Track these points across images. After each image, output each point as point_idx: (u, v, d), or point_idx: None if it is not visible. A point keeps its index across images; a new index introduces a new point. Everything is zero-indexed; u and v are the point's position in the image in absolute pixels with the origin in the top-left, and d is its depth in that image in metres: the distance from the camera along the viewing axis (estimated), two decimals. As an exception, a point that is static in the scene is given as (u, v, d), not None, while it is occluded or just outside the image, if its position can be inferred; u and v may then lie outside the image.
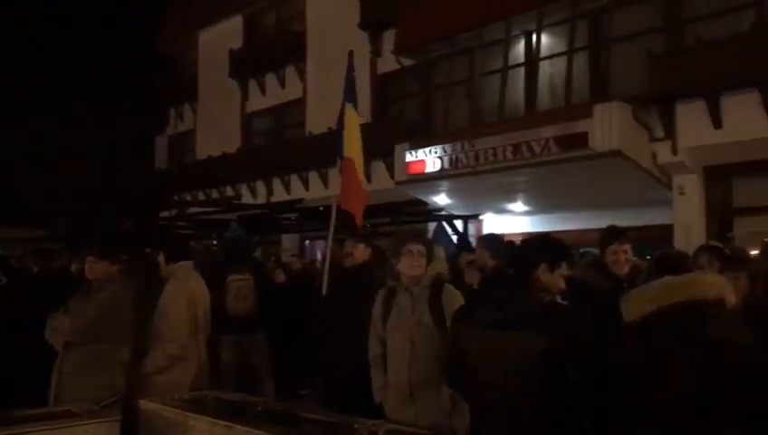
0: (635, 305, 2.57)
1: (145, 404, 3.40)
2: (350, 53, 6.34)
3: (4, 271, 7.09)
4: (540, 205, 14.70)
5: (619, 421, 2.71)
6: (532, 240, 2.93)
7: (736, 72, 10.61)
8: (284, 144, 20.15)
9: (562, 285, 2.77)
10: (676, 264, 2.67)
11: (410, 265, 3.55)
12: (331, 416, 2.82)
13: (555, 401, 2.61)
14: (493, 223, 14.97)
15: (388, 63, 17.14)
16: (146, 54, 26.48)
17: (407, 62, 16.43)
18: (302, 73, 19.75)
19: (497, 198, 14.51)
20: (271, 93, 21.01)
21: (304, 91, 19.66)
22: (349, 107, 5.92)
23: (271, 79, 20.91)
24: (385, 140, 15.29)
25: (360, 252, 4.52)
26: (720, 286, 2.57)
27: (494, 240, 5.15)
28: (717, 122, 11.13)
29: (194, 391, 3.78)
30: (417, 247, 3.57)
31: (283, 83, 20.54)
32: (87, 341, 4.18)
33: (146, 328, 4.30)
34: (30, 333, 5.05)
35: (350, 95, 5.99)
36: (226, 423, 2.81)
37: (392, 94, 17.81)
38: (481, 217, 15.11)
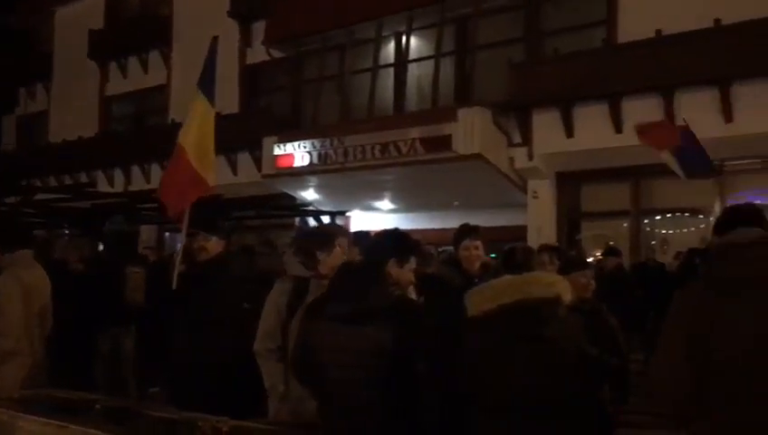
0: (477, 302, 2.67)
1: (-32, 404, 3.11)
2: (214, 39, 6.08)
3: None
4: (406, 203, 15.02)
5: (464, 414, 2.80)
6: (381, 236, 2.96)
7: (587, 84, 11.33)
8: (145, 131, 19.28)
9: (412, 278, 2.83)
10: (520, 263, 2.80)
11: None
12: (173, 413, 2.71)
13: (404, 393, 2.65)
14: (360, 220, 15.11)
15: (257, 54, 16.83)
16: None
17: (277, 54, 16.22)
18: (166, 59, 18.97)
19: (365, 196, 14.66)
20: (133, 77, 20.02)
21: (168, 77, 18.90)
22: (199, 95, 5.64)
23: (133, 62, 19.94)
24: (253, 132, 15.03)
25: (213, 245, 4.34)
26: (557, 286, 2.71)
27: (364, 237, 5.17)
28: (569, 131, 11.83)
29: (26, 389, 3.50)
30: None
31: (146, 68, 19.64)
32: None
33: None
34: None
35: (204, 82, 5.71)
36: (59, 423, 2.62)
37: (261, 86, 17.51)
38: (348, 214, 15.21)
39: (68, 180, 20.13)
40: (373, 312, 2.57)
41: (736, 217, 2.42)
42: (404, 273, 2.80)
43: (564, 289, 2.73)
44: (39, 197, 12.83)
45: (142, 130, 19.52)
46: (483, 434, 2.74)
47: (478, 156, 11.71)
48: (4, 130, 24.75)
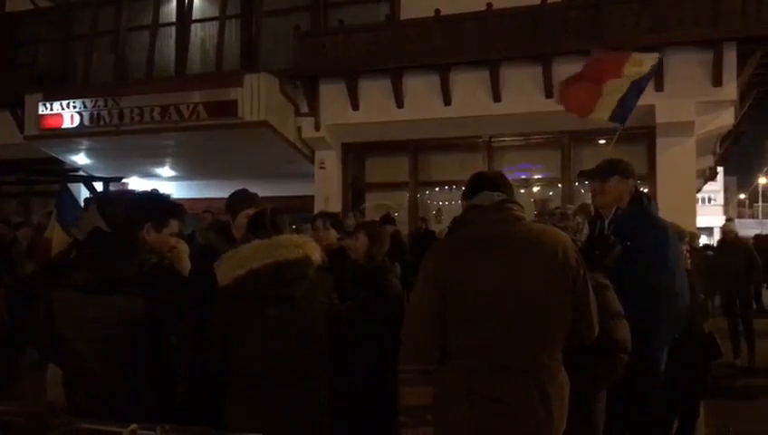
0: (227, 269, 2.62)
1: None
2: None
3: None
4: (188, 170, 14.48)
5: (217, 385, 2.74)
6: (135, 198, 2.77)
7: (371, 58, 11.62)
8: None
9: (171, 242, 2.68)
10: (268, 227, 2.77)
11: None
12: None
13: (155, 366, 2.53)
14: (138, 187, 14.26)
15: (20, 2, 15.07)
16: None
17: (43, 3, 14.66)
18: None
19: (143, 162, 13.89)
20: None
21: None
22: None
23: None
24: (12, 87, 13.53)
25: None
26: (305, 247, 2.73)
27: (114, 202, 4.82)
28: (355, 103, 12.07)
29: None
30: None
31: None
32: None
33: None
34: None
35: None
36: None
37: (24, 37, 15.69)
38: (125, 181, 14.29)
39: None
40: (121, 280, 2.40)
41: (481, 182, 2.59)
42: (163, 238, 2.64)
43: (313, 250, 2.76)
44: None
45: None
46: (236, 403, 2.71)
47: (264, 123, 11.56)
48: None
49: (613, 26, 10.38)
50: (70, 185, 8.57)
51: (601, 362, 2.86)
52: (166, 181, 14.47)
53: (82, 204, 7.84)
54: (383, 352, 3.40)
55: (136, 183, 14.43)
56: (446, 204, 13.10)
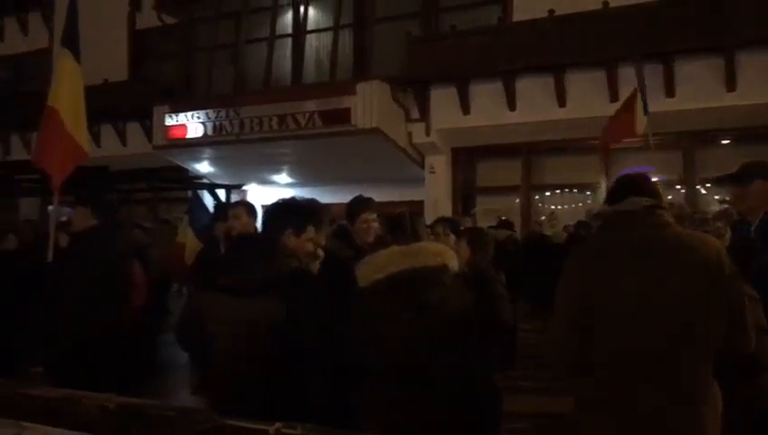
0: (367, 272, 2.68)
1: None
2: None
3: None
4: (303, 177, 14.88)
5: (352, 385, 2.81)
6: (277, 205, 2.88)
7: (482, 62, 11.55)
8: (26, 97, 18.03)
9: (310, 248, 2.77)
10: (408, 234, 2.82)
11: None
12: (54, 391, 2.54)
13: (291, 367, 2.62)
14: (257, 194, 14.84)
15: (147, 19, 16.07)
16: None
17: (168, 20, 15.55)
18: (47, 21, 17.78)
19: (262, 169, 14.40)
20: (10, 40, 18.68)
21: (50, 40, 17.72)
22: (64, 52, 5.29)
23: (11, 24, 18.60)
24: (142, 100, 14.40)
25: (81, 218, 4.10)
26: (444, 255, 2.76)
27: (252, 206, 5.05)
28: (466, 107, 12.05)
29: None
30: None
31: (25, 30, 18.36)
32: None
33: None
34: None
35: (68, 39, 5.35)
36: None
37: (151, 52, 16.73)
38: (245, 188, 14.90)
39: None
40: (264, 284, 2.51)
41: (627, 187, 2.51)
42: (301, 243, 2.74)
43: (451, 258, 2.78)
44: None
45: (22, 97, 18.23)
46: (367, 404, 2.77)
47: (376, 130, 11.73)
48: None
49: (736, 21, 9.85)
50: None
51: (748, 382, 2.70)
52: (283, 188, 14.95)
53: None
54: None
55: (255, 190, 15.00)
56: (559, 207, 12.81)
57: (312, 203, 2.92)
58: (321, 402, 2.61)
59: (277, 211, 2.81)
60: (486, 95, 11.84)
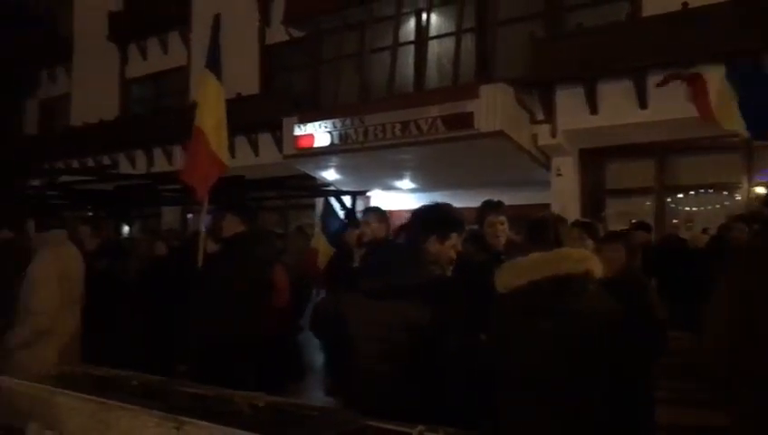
0: (506, 278, 2.66)
1: (4, 381, 3.15)
2: (216, 17, 6.01)
3: None
4: (426, 182, 14.96)
5: (491, 390, 2.80)
6: (422, 212, 2.91)
7: (611, 60, 11.16)
8: (166, 112, 19.33)
9: (453, 255, 2.79)
10: (550, 239, 2.77)
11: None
12: (206, 389, 2.72)
13: (432, 370, 2.65)
14: (380, 199, 15.09)
15: (277, 34, 16.78)
16: (14, 10, 24.47)
17: (296, 33, 16.15)
18: (186, 39, 18.97)
19: (385, 175, 14.63)
20: (152, 59, 20.08)
21: (188, 57, 18.90)
22: (208, 75, 5.64)
23: (153, 44, 19.98)
24: (272, 112, 15.01)
25: (230, 225, 4.36)
26: (587, 261, 2.69)
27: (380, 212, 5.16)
28: (593, 107, 11.68)
29: (62, 367, 3.54)
30: None
31: (165, 49, 19.68)
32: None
33: (11, 301, 4.01)
34: None
35: (211, 62, 5.70)
36: (98, 399, 2.64)
37: (281, 66, 17.45)
38: (369, 194, 15.19)
39: (90, 163, 20.35)
40: (408, 289, 2.55)
41: None
42: (445, 249, 2.76)
43: (594, 264, 2.71)
44: (63, 179, 12.93)
45: (163, 112, 19.57)
46: (507, 409, 2.74)
47: (500, 133, 11.60)
48: (27, 113, 24.95)
49: None
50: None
51: None
52: (406, 193, 15.11)
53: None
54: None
55: (378, 196, 15.25)
56: (695, 209, 12.13)
57: (452, 210, 2.94)
58: (460, 406, 2.63)
59: (422, 218, 2.85)
60: (615, 94, 11.42)
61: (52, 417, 2.86)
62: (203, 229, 5.15)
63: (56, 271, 4.05)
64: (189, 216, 18.97)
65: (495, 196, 4.83)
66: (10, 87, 24.65)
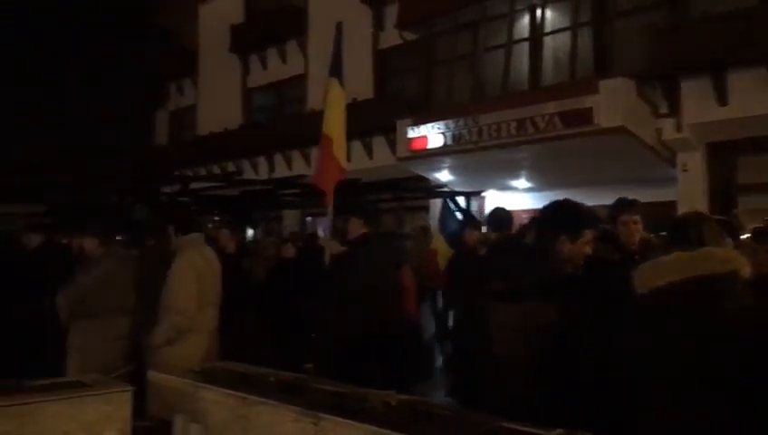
0: (646, 279, 2.57)
1: (153, 375, 3.39)
2: (338, 26, 6.19)
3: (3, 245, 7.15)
4: (543, 181, 14.67)
5: (625, 395, 2.72)
6: (552, 209, 2.86)
7: (742, 48, 10.51)
8: (286, 120, 20.05)
9: (588, 251, 2.73)
10: (692, 239, 2.65)
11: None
12: (341, 387, 2.81)
13: (564, 372, 2.61)
14: (496, 199, 14.96)
15: (390, 38, 17.00)
16: (145, 27, 26.21)
17: (409, 36, 16.29)
18: (303, 48, 19.60)
19: (500, 175, 14.48)
20: (272, 68, 20.89)
21: (306, 66, 19.53)
22: (333, 82, 5.80)
23: (272, 54, 20.78)
24: (386, 115, 15.22)
25: (354, 226, 4.52)
26: (732, 261, 2.56)
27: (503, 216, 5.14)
28: (722, 99, 11.06)
29: (204, 363, 3.77)
30: None
31: (284, 58, 20.42)
32: (83, 315, 4.24)
33: (155, 300, 4.31)
34: (34, 307, 5.11)
35: (335, 69, 5.87)
36: (239, 394, 2.80)
37: (394, 69, 17.67)
38: (484, 194, 15.09)
39: (216, 169, 21.43)
40: (538, 289, 2.53)
41: None
42: (578, 248, 2.70)
43: (742, 264, 2.57)
44: (193, 186, 13.67)
45: (282, 119, 20.31)
46: (641, 414, 2.65)
47: (622, 129, 11.21)
48: (158, 124, 26.62)
49: None
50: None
51: None
52: (521, 193, 14.89)
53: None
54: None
55: (493, 196, 15.11)
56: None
57: (582, 207, 2.88)
58: (593, 409, 2.58)
59: (551, 216, 2.82)
60: (746, 83, 10.74)
61: (196, 410, 3.06)
62: (320, 232, 5.34)
63: (194, 272, 4.32)
64: (308, 218, 19.59)
65: (616, 193, 4.71)
66: (143, 101, 26.44)
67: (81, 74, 30.21)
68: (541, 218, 2.86)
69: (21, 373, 3.66)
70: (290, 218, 19.45)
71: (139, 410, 3.21)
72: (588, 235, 2.74)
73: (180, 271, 4.28)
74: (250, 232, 16.43)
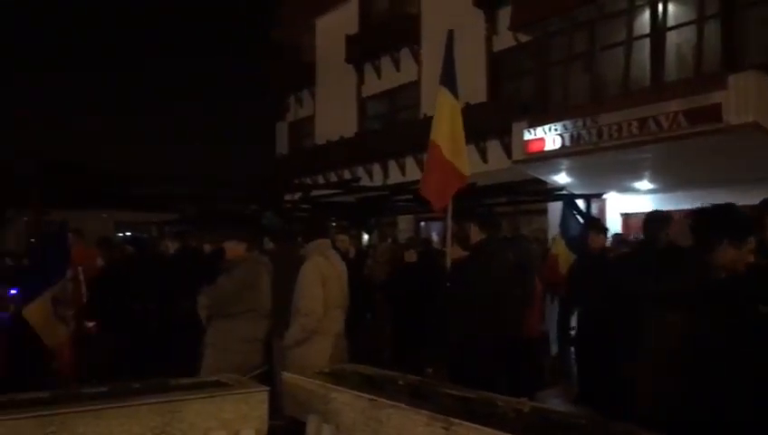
0: None
1: (287, 376, 3.56)
2: (450, 34, 6.18)
3: (142, 250, 7.69)
4: (667, 182, 14.01)
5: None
6: (711, 213, 2.72)
7: None
8: (400, 127, 20.29)
9: (751, 259, 2.59)
10: None
11: None
12: (469, 392, 2.84)
13: (717, 385, 2.49)
14: (616, 202, 14.46)
15: (503, 41, 16.85)
16: (265, 43, 27.33)
17: (523, 38, 16.07)
18: (416, 55, 19.77)
19: (621, 176, 13.97)
20: (386, 77, 21.19)
21: (419, 73, 19.68)
22: (443, 91, 5.82)
23: (386, 62, 21.08)
24: (500, 118, 15.09)
25: (475, 231, 4.54)
26: None
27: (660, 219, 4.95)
28: None
29: (333, 365, 3.91)
30: None
31: (398, 66, 20.66)
32: (222, 315, 4.50)
33: (283, 304, 4.52)
34: (173, 308, 5.47)
35: (446, 78, 5.87)
36: (369, 396, 2.88)
37: (508, 72, 17.48)
38: (604, 197, 14.61)
39: (333, 177, 21.99)
40: (691, 296, 2.42)
41: None
42: (742, 254, 2.56)
43: None
44: (313, 193, 14.10)
45: (396, 126, 20.56)
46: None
47: (754, 125, 10.57)
48: (278, 135, 27.65)
49: None
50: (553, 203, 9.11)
51: None
52: (644, 195, 14.28)
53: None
54: None
55: (614, 199, 14.61)
56: None
57: (739, 211, 2.73)
58: (749, 420, 2.45)
59: (715, 220, 2.69)
60: None
61: (328, 411, 3.18)
62: (434, 236, 5.40)
63: (321, 276, 4.49)
64: (422, 223, 19.70)
65: (746, 194, 4.46)
66: (264, 113, 27.59)
67: (206, 91, 31.98)
68: (700, 223, 2.71)
69: (160, 371, 3.95)
70: (404, 223, 19.64)
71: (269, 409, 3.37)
72: (752, 241, 2.59)
73: (308, 275, 4.46)
74: (365, 237, 16.71)
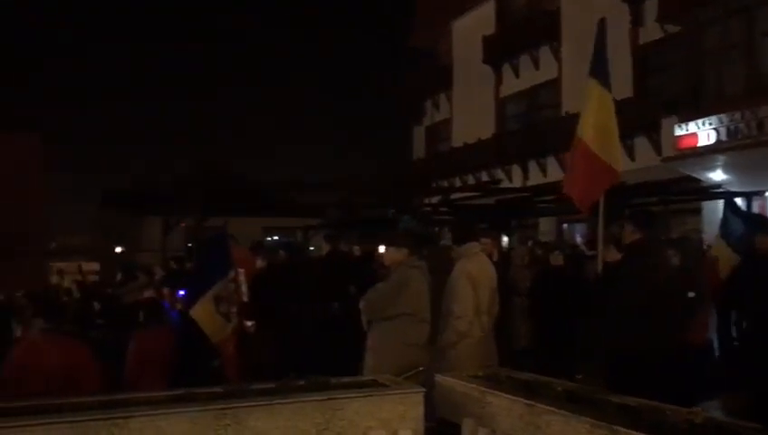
0: None
1: (441, 379, 3.61)
2: (601, 22, 5.82)
3: (294, 254, 8.07)
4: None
5: None
6: None
7: None
8: (540, 126, 19.87)
9: None
10: None
11: None
12: (631, 400, 2.76)
13: None
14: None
15: (649, 33, 16.07)
16: (400, 47, 27.80)
17: (672, 29, 15.23)
18: (556, 53, 19.29)
19: (786, 172, 12.91)
20: (525, 76, 20.83)
21: (559, 70, 19.18)
22: (592, 82, 5.46)
23: (525, 61, 20.73)
24: (647, 114, 14.43)
25: (629, 232, 4.33)
26: None
27: None
28: None
29: (486, 368, 3.91)
30: None
31: (537, 65, 20.26)
32: (380, 318, 4.62)
33: (437, 306, 4.59)
34: (325, 308, 5.70)
35: (597, 69, 5.52)
36: (527, 401, 2.87)
37: (654, 65, 16.62)
38: (766, 194, 13.54)
39: (470, 179, 21.91)
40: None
41: None
42: None
43: None
44: (452, 196, 14.15)
45: (536, 126, 20.16)
46: None
47: None
48: (415, 140, 27.95)
49: None
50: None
51: None
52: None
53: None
54: None
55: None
56: None
57: None
58: None
59: None
60: None
61: (483, 415, 3.20)
62: (578, 239, 5.25)
63: (470, 280, 4.52)
64: (565, 226, 19.16)
65: None
66: (402, 118, 28.02)
67: (346, 99, 32.98)
68: None
69: (316, 370, 4.13)
70: (546, 225, 19.19)
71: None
72: None
73: (458, 279, 4.51)
74: (504, 239, 16.50)
